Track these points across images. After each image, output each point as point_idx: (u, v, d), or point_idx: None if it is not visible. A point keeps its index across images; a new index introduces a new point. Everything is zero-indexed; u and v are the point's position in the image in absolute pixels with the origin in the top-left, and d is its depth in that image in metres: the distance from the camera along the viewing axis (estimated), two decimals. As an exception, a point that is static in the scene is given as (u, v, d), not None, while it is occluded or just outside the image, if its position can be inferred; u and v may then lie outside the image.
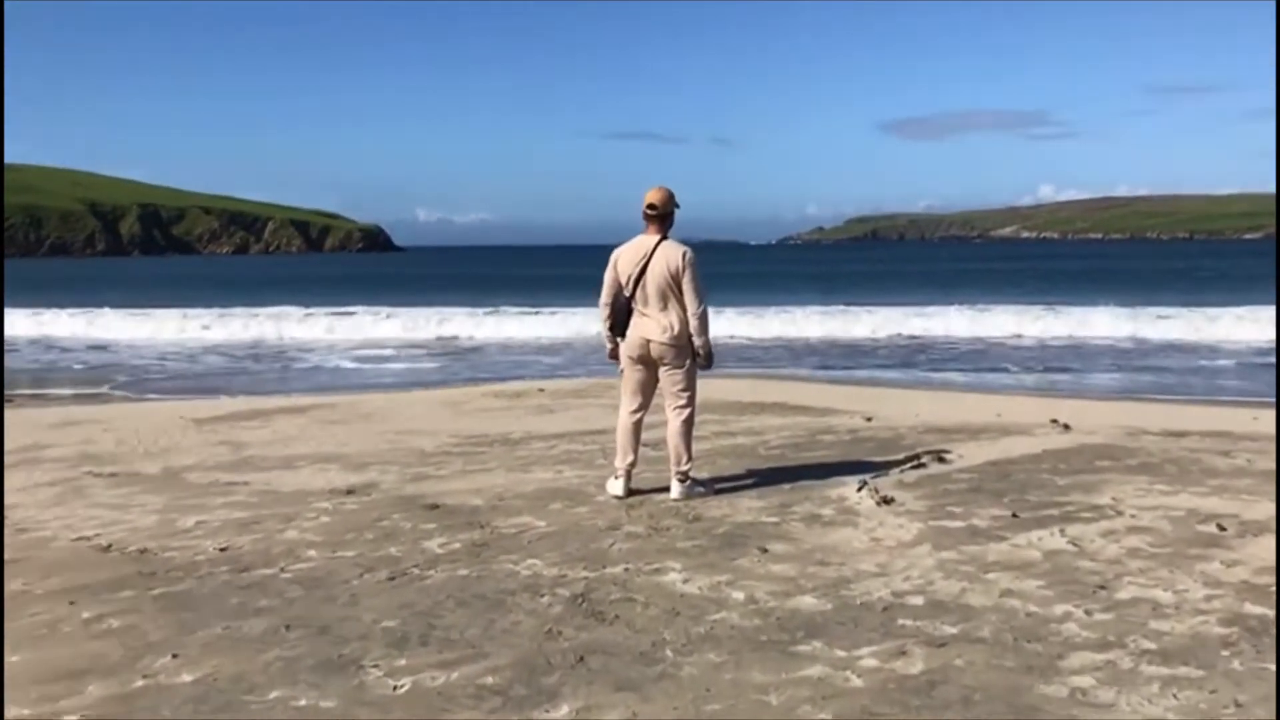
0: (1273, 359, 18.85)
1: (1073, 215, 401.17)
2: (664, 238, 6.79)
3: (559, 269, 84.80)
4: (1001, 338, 24.16)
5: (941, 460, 8.05)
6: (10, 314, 29.23)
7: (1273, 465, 7.71)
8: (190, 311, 32.72)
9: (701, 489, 6.97)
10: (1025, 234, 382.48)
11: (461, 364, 20.34)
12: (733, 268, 78.70)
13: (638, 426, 6.99)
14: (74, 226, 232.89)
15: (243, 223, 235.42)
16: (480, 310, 31.87)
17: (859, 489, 6.99)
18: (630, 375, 6.94)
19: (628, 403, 6.99)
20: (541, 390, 13.72)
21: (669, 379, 6.84)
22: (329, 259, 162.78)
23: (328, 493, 7.25)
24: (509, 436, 9.58)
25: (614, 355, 7.05)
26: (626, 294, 6.79)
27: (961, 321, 26.90)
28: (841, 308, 31.47)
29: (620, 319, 6.86)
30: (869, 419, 10.31)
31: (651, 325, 6.74)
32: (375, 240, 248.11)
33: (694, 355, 6.80)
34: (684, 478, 6.89)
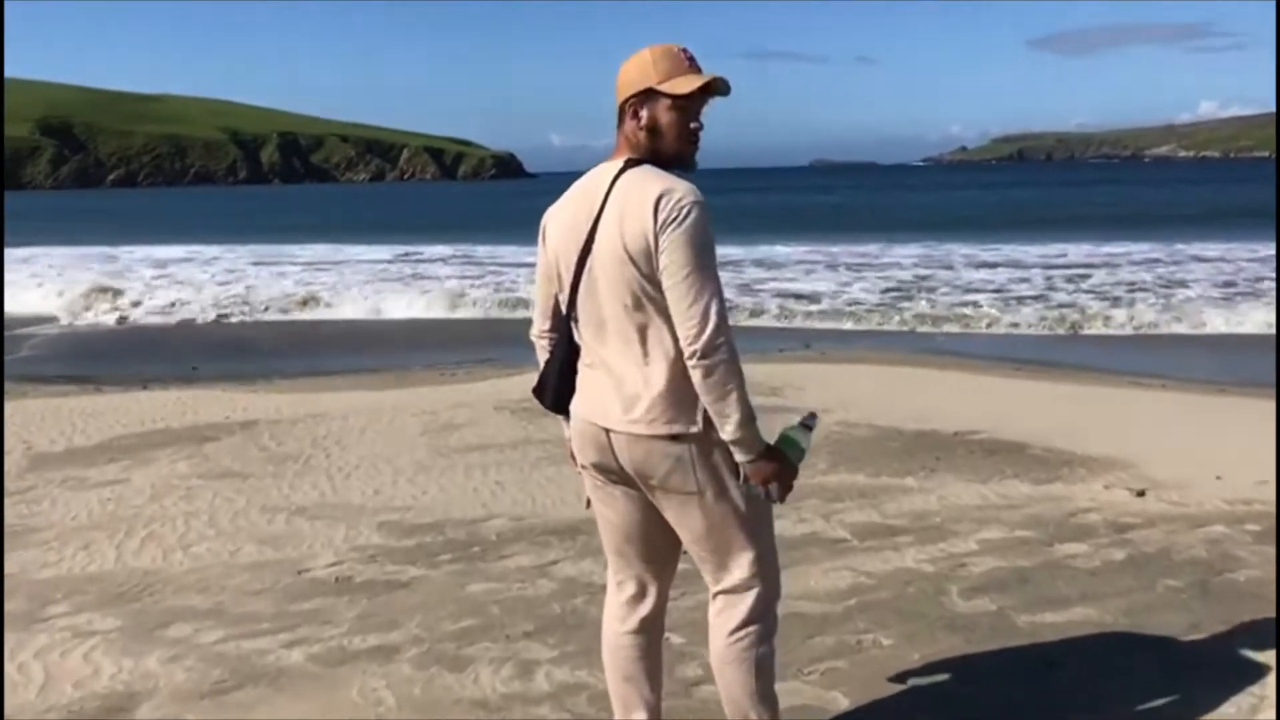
0: None
1: (1235, 132, 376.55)
2: (632, 166, 2.67)
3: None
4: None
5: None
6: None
7: None
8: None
9: None
10: (1183, 153, 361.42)
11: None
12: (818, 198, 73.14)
13: (641, 641, 2.88)
14: (216, 155, 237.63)
15: (378, 150, 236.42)
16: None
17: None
18: (600, 510, 2.86)
19: (613, 576, 2.93)
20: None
21: (679, 521, 2.69)
22: (453, 187, 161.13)
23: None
24: (480, 530, 5.49)
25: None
26: (564, 311, 2.80)
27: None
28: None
29: (563, 373, 2.82)
30: (1140, 493, 6.00)
31: (606, 388, 2.66)
32: (508, 167, 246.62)
33: (721, 454, 2.60)
34: None
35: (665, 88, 2.52)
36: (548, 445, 7.06)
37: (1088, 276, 20.15)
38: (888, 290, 19.09)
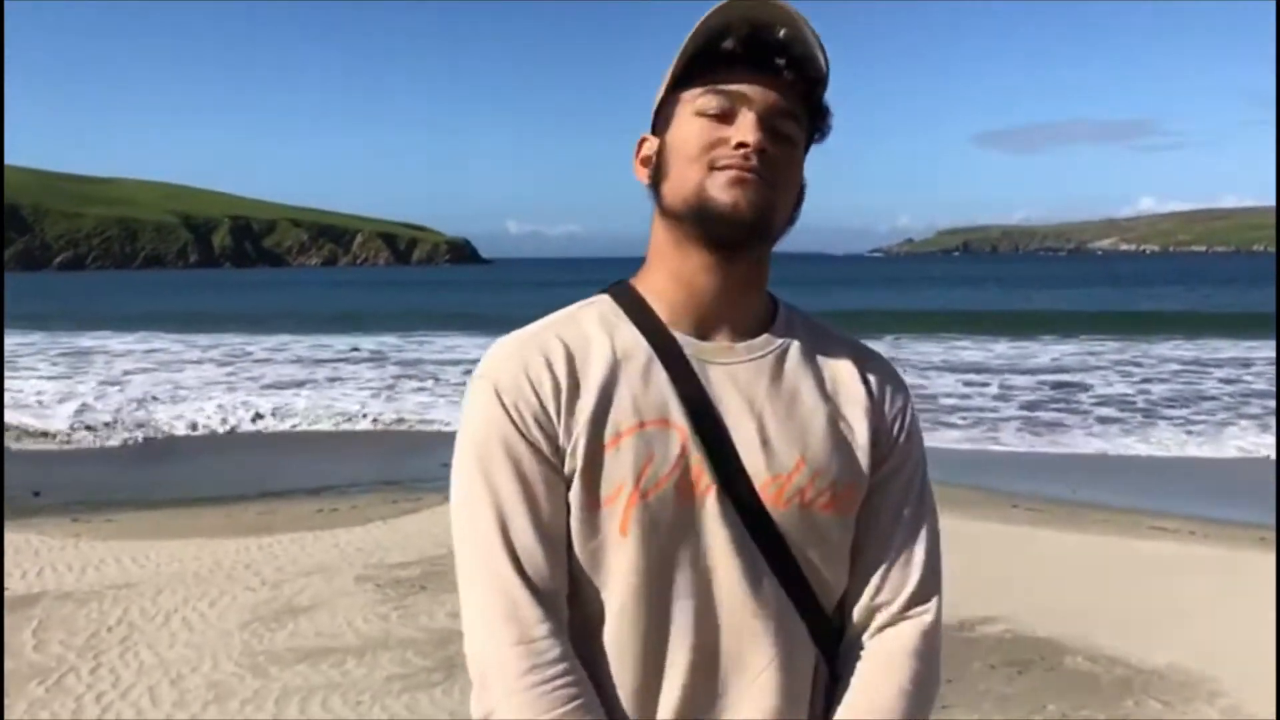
0: None
1: (1174, 226, 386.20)
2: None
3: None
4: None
5: None
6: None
7: None
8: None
9: None
10: (1124, 246, 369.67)
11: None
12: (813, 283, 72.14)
13: None
14: (168, 239, 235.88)
15: (332, 235, 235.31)
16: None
17: None
18: None
19: None
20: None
21: None
22: (409, 272, 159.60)
23: None
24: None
25: None
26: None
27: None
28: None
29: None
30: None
31: None
32: (462, 253, 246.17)
33: None
34: None
35: (670, 78, 1.30)
36: (408, 652, 5.10)
37: (1070, 384, 18.52)
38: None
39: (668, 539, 1.19)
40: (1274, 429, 13.10)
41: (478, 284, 67.25)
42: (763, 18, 1.20)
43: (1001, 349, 25.30)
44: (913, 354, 24.18)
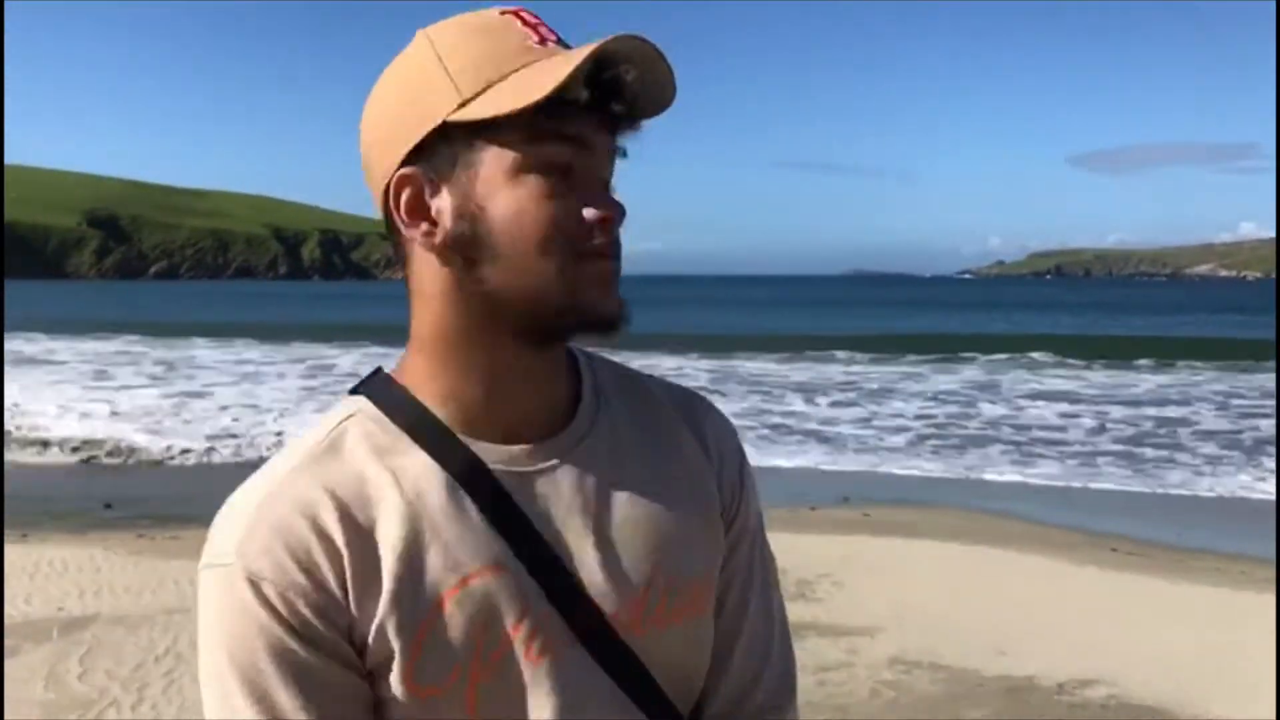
0: None
1: (1276, 253, 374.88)
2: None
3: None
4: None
5: None
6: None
7: None
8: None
9: None
10: (1223, 272, 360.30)
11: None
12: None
13: None
14: (258, 251, 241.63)
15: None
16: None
17: None
18: None
19: None
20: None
21: None
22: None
23: None
24: None
25: None
26: None
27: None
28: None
29: None
30: None
31: None
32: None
33: None
34: None
35: (482, 108, 0.88)
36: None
37: (1171, 418, 17.66)
38: (934, 424, 16.80)
39: (523, 710, 0.93)
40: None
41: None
42: (611, 53, 0.88)
43: (1096, 377, 24.44)
44: (1002, 380, 23.46)
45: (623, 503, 0.98)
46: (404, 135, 0.90)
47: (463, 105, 0.88)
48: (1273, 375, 23.26)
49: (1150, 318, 55.77)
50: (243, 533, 0.89)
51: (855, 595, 6.65)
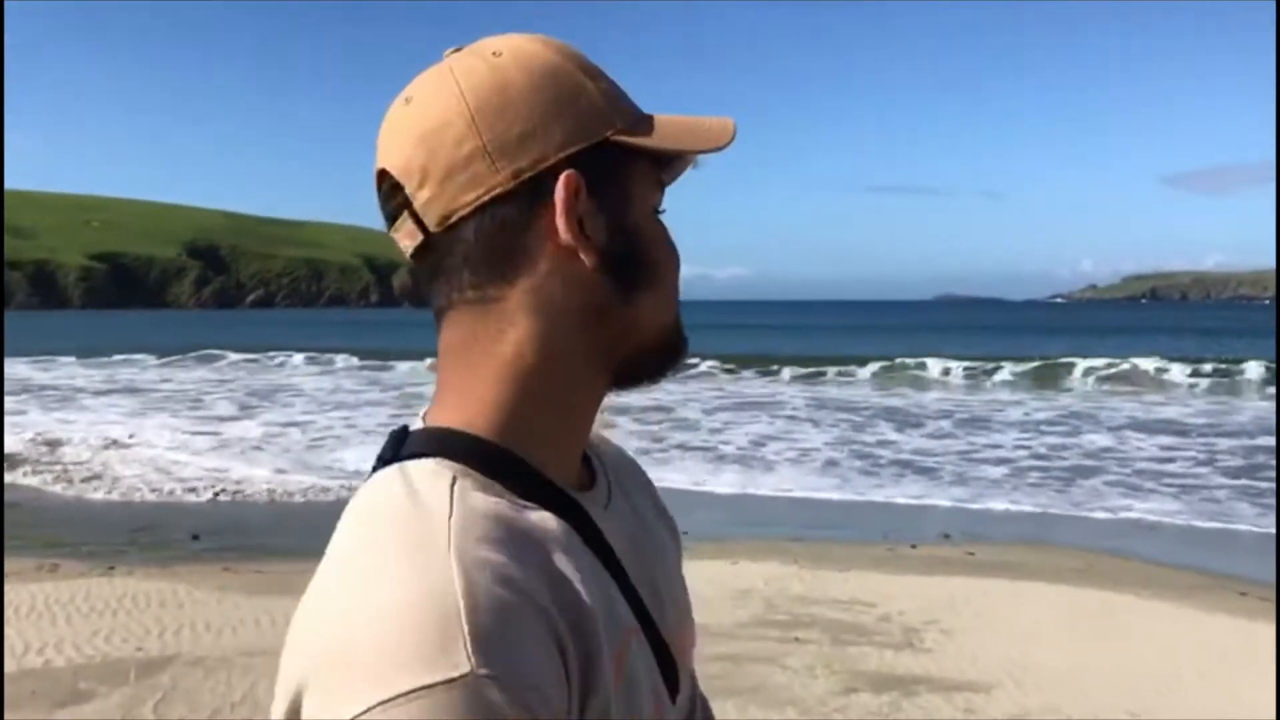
0: None
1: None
2: (413, 445, 0.82)
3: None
4: None
5: None
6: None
7: None
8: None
9: None
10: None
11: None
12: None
13: None
14: (351, 279, 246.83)
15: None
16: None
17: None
18: None
19: None
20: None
21: None
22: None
23: None
24: None
25: None
26: None
27: None
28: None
29: None
30: None
31: None
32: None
33: None
34: None
35: (658, 140, 0.86)
36: None
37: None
38: (1035, 454, 16.16)
39: None
40: None
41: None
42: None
43: (1201, 405, 23.44)
44: (1102, 409, 22.62)
45: (650, 546, 0.94)
46: (566, 133, 0.82)
47: (625, 131, 0.84)
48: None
49: (1253, 340, 53.69)
50: (498, 634, 0.68)
51: (966, 645, 6.22)
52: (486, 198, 0.80)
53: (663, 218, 0.89)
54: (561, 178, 0.80)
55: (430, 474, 0.78)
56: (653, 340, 0.87)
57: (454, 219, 0.81)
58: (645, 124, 0.85)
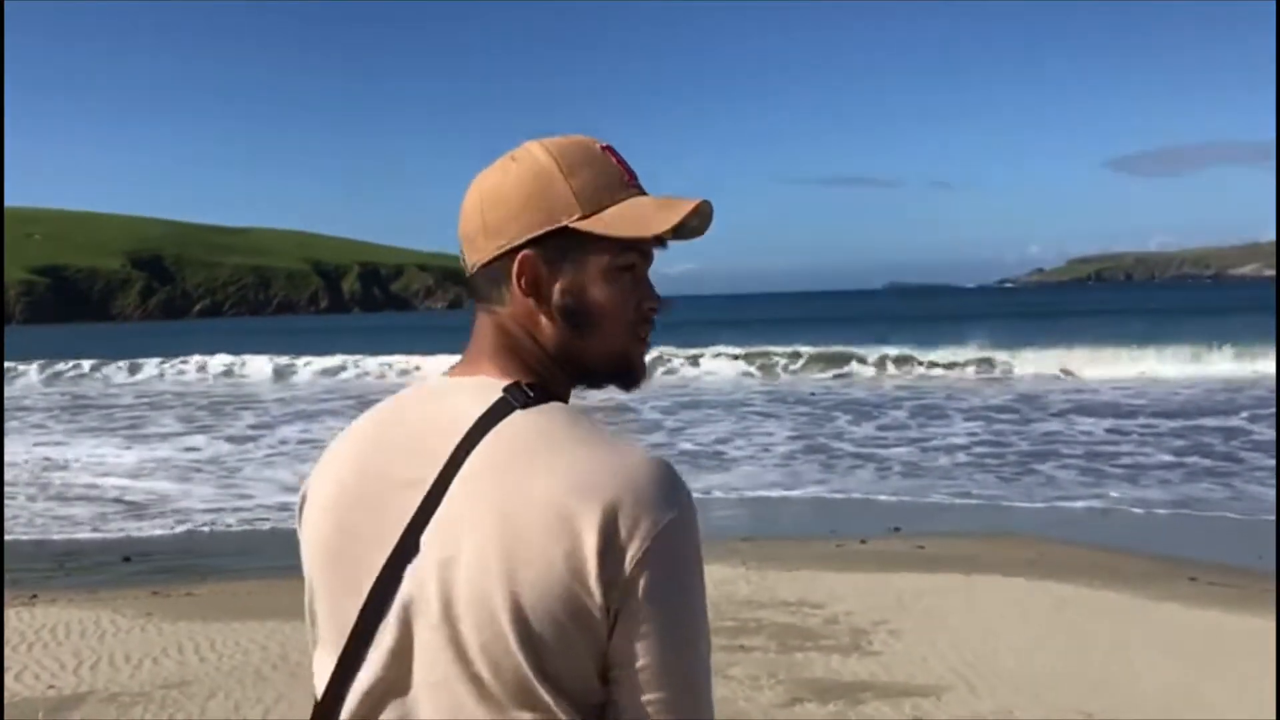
0: None
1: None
2: (518, 395, 1.21)
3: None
4: None
5: None
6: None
7: None
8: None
9: None
10: (1268, 271, 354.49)
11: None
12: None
13: None
14: (299, 285, 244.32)
15: (457, 278, 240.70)
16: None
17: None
18: None
19: None
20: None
21: None
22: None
23: None
24: None
25: None
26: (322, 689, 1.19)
27: None
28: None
29: None
30: None
31: None
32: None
33: None
34: None
35: (604, 225, 1.24)
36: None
37: (1228, 430, 16.88)
38: (983, 442, 16.12)
39: None
40: None
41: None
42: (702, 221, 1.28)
43: (1144, 387, 23.62)
44: (1048, 394, 22.70)
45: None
46: (530, 223, 1.21)
47: (583, 218, 1.20)
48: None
49: (1188, 320, 53.99)
50: (670, 464, 1.15)
51: (916, 646, 6.05)
52: (484, 259, 1.23)
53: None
54: (519, 257, 1.20)
55: (564, 407, 1.20)
56: (600, 365, 1.25)
57: (475, 267, 1.25)
58: (603, 211, 1.21)
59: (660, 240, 1.24)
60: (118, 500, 13.17)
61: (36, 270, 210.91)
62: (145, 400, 27.48)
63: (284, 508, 12.05)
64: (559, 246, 1.19)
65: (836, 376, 28.62)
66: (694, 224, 1.24)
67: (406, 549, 1.12)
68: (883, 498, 12.18)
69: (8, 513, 12.15)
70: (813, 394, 24.31)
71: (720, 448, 16.29)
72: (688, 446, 16.43)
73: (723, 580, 7.78)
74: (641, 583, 1.05)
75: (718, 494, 12.34)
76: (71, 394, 30.43)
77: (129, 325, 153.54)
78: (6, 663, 6.21)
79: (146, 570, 9.44)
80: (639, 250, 1.22)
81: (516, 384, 1.18)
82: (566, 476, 1.08)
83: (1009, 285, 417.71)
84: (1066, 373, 27.29)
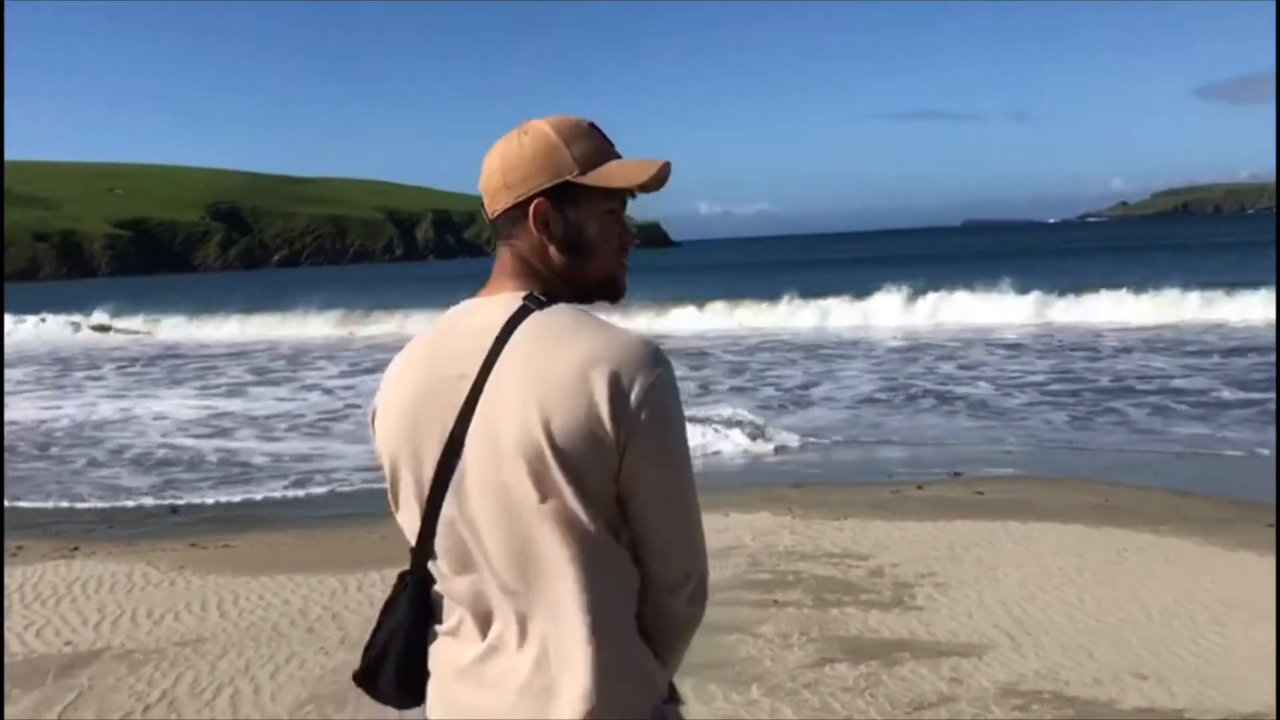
0: None
1: None
2: (534, 301, 1.70)
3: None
4: None
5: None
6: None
7: None
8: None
9: None
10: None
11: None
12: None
13: None
14: (374, 234, 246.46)
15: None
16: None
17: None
18: None
19: None
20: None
21: None
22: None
23: None
24: None
25: None
26: (415, 545, 1.69)
27: None
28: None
29: (409, 649, 1.70)
30: None
31: (498, 672, 1.61)
32: (651, 236, 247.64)
33: None
34: None
35: (596, 179, 1.69)
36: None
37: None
38: (1056, 389, 15.53)
39: None
40: None
41: (659, 269, 65.96)
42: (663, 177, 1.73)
43: (1229, 328, 22.62)
44: (1120, 327, 21.86)
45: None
46: (541, 179, 1.66)
47: (581, 174, 1.66)
48: None
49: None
50: (652, 340, 1.60)
51: (961, 601, 5.69)
52: (506, 206, 1.68)
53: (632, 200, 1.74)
54: (534, 203, 1.65)
55: (569, 306, 1.64)
56: (594, 282, 1.70)
57: (496, 213, 1.70)
58: (594, 170, 1.66)
59: (634, 192, 1.71)
60: (184, 446, 13.24)
61: (119, 224, 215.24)
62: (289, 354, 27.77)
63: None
64: (563, 196, 1.66)
65: (907, 317, 27.93)
66: (663, 177, 1.70)
67: (465, 419, 1.55)
68: (948, 440, 11.73)
69: (78, 465, 12.27)
70: (893, 337, 23.78)
71: (801, 392, 15.95)
72: (770, 392, 16.13)
73: (764, 530, 7.46)
74: (642, 417, 1.50)
75: (785, 436, 11.94)
76: (172, 349, 30.92)
77: (211, 276, 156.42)
78: (33, 618, 6.14)
79: (191, 522, 9.40)
80: (620, 198, 1.70)
81: (532, 294, 1.63)
82: (580, 351, 1.52)
83: (1091, 220, 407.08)
84: (1143, 312, 26.29)
